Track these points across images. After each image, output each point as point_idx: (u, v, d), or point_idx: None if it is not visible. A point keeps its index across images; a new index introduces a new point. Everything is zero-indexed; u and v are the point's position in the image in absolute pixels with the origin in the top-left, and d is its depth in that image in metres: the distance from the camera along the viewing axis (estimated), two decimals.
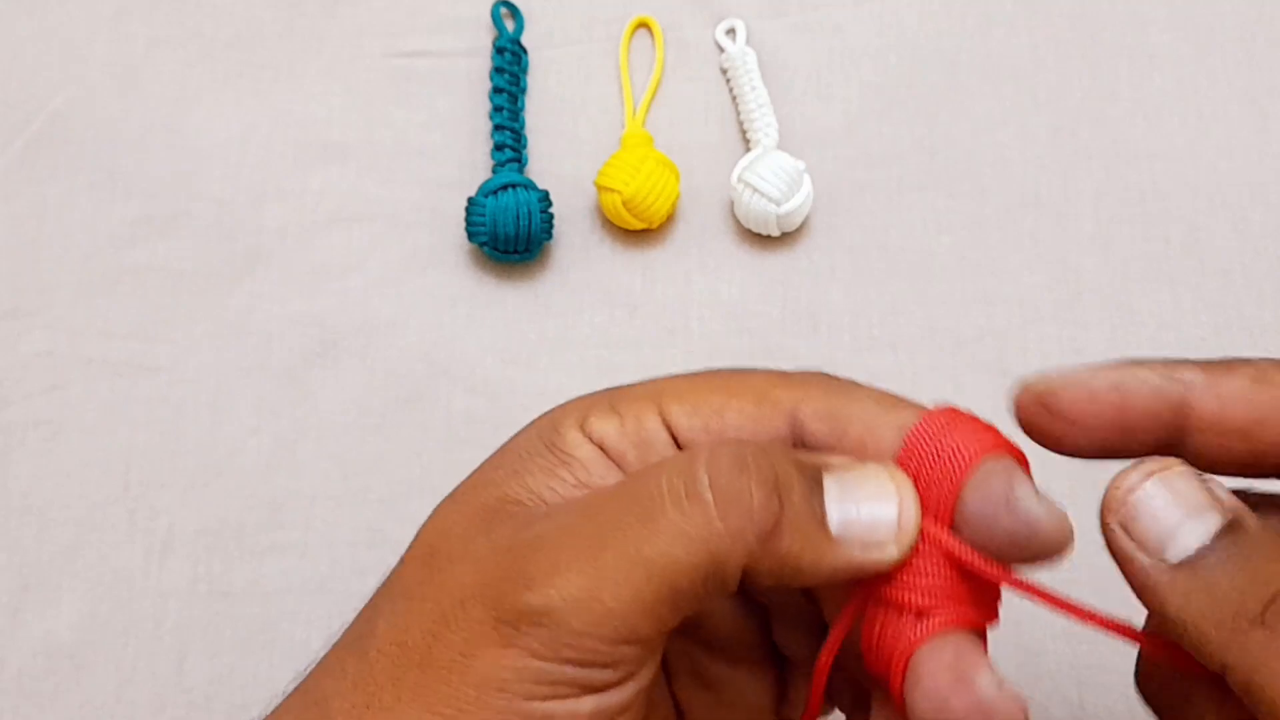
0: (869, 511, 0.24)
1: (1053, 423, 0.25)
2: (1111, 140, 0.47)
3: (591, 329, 0.45)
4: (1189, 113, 0.47)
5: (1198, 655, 0.23)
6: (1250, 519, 0.23)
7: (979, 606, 0.24)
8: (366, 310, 0.45)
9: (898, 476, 0.24)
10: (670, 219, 0.46)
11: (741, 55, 0.47)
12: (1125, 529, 0.23)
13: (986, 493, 0.24)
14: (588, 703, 0.23)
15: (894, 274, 0.45)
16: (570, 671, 0.23)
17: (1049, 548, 0.23)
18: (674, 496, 0.23)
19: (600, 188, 0.45)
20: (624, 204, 0.44)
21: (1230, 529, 0.23)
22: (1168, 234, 0.45)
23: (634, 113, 0.47)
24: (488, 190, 0.44)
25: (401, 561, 0.26)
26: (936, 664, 0.23)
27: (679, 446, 0.26)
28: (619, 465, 0.26)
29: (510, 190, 0.44)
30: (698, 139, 0.47)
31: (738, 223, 0.45)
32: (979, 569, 0.24)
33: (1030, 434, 0.25)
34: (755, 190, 0.44)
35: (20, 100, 0.48)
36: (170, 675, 0.40)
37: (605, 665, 0.23)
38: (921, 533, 0.24)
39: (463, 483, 0.27)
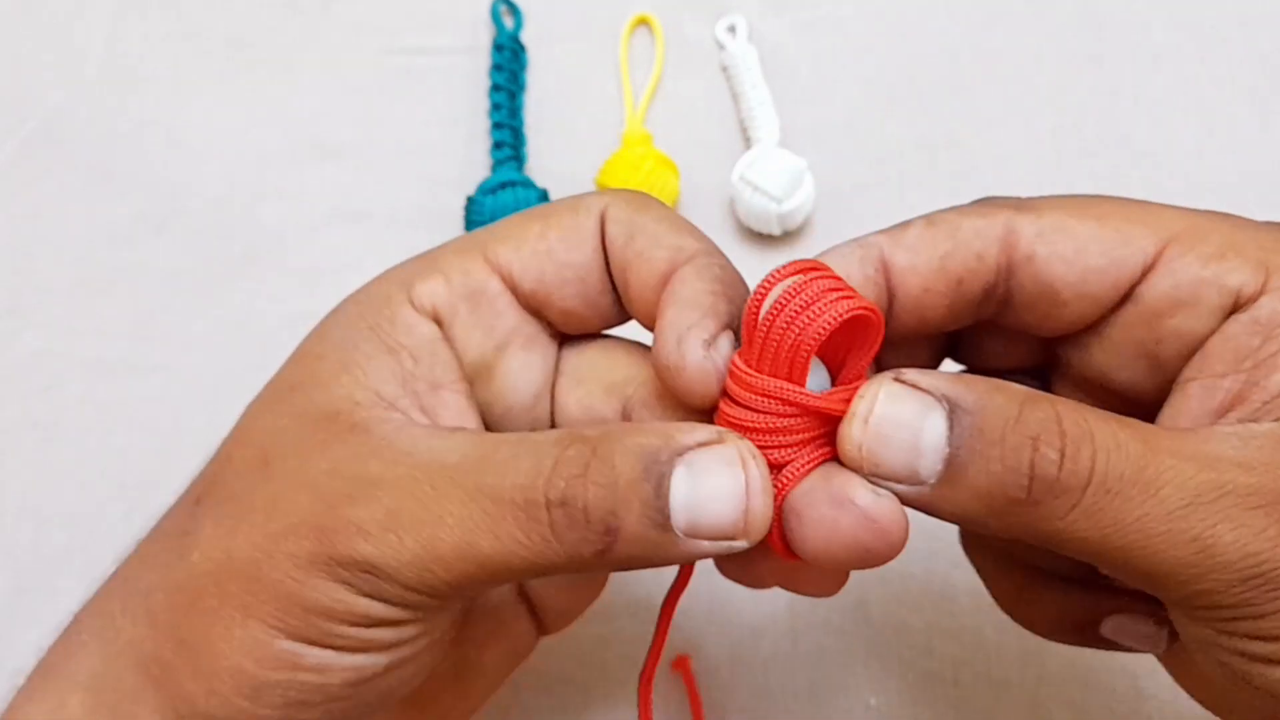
0: (718, 510, 0.23)
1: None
2: (1114, 138, 0.47)
3: None
4: (1192, 111, 0.47)
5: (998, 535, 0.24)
6: (965, 393, 0.23)
7: (826, 444, 0.25)
8: None
9: (748, 460, 0.24)
10: None
11: (742, 52, 0.47)
12: (878, 475, 0.24)
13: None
14: (406, 630, 0.25)
15: None
16: (388, 610, 0.24)
17: None
18: (513, 508, 0.23)
19: (600, 186, 0.45)
20: None
21: (956, 418, 0.23)
22: None
23: (634, 110, 0.47)
24: (487, 188, 0.44)
25: (228, 456, 0.26)
26: (813, 497, 0.24)
27: (513, 288, 0.27)
28: (451, 324, 0.26)
29: (509, 188, 0.44)
30: (698, 137, 0.47)
31: (739, 221, 0.45)
32: (834, 410, 0.24)
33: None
34: (756, 188, 0.44)
35: (16, 98, 0.48)
36: None
37: (424, 609, 0.24)
38: (769, 394, 0.24)
39: (286, 374, 0.27)
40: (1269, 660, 0.23)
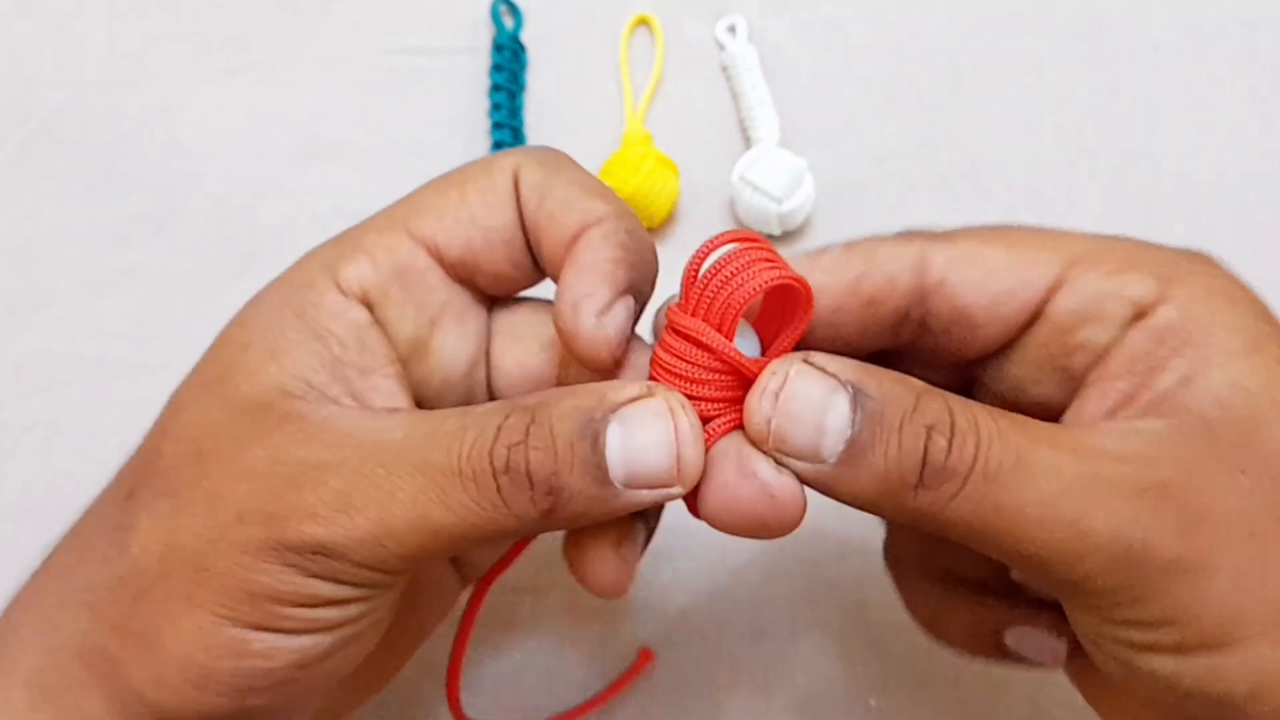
0: (652, 460, 0.24)
1: None
2: (1115, 138, 0.47)
3: None
4: (1192, 110, 0.47)
5: (891, 518, 0.25)
6: (869, 380, 0.24)
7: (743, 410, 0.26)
8: None
9: (677, 410, 0.25)
10: (670, 218, 0.45)
11: (742, 52, 0.47)
12: (782, 450, 0.25)
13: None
14: (352, 609, 0.25)
15: None
16: (338, 589, 0.25)
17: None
18: (464, 477, 0.24)
19: None
20: None
21: (859, 403, 0.24)
22: (1171, 232, 0.44)
23: (634, 110, 0.47)
24: None
25: (157, 450, 0.26)
26: (723, 462, 0.25)
27: (439, 259, 0.27)
28: (383, 306, 0.27)
29: None
30: (698, 137, 0.47)
31: (739, 221, 0.45)
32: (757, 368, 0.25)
33: None
34: (756, 188, 0.44)
35: (16, 98, 0.48)
36: None
37: (374, 585, 0.25)
38: (699, 344, 0.25)
39: (210, 364, 0.27)
40: (1152, 648, 0.24)
